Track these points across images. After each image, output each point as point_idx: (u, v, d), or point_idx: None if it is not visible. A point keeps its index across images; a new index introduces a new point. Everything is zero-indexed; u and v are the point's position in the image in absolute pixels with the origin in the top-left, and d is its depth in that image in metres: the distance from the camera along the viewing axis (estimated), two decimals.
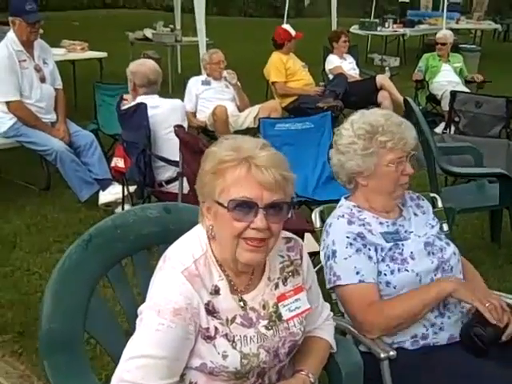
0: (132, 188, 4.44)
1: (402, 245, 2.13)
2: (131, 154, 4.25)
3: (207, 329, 1.58)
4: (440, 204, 2.55)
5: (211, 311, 1.59)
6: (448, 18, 11.98)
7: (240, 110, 6.16)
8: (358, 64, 8.26)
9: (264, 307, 1.68)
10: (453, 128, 6.11)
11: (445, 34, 7.90)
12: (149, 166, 4.20)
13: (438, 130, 6.80)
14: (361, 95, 7.10)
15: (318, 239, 2.29)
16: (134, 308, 1.67)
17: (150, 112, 4.17)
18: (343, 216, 2.17)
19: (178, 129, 3.85)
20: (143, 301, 1.62)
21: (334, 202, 2.32)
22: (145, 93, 4.36)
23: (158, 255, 1.71)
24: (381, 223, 2.17)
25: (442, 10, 11.82)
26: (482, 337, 1.98)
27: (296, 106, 6.91)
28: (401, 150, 2.11)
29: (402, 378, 1.99)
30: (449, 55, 7.75)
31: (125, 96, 4.54)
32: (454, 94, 6.13)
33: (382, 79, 7.55)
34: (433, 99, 7.66)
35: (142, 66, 4.44)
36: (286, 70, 7.00)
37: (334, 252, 2.11)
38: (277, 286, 1.72)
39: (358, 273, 2.06)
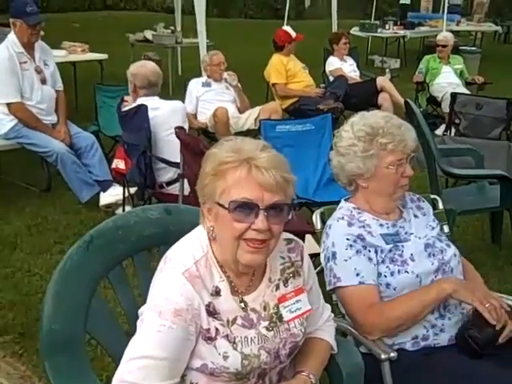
0: (133, 189, 4.44)
1: (402, 246, 2.13)
2: (132, 156, 4.25)
3: (208, 330, 1.59)
4: (441, 205, 2.55)
5: (212, 312, 1.60)
6: (448, 19, 12.00)
7: (240, 111, 6.17)
8: (358, 66, 8.26)
9: (265, 308, 1.69)
10: (453, 130, 6.11)
11: (445, 36, 7.91)
12: (149, 168, 4.20)
13: (439, 131, 6.80)
14: (361, 97, 7.10)
15: (318, 240, 2.29)
16: (135, 309, 1.67)
17: (150, 114, 4.17)
18: (343, 218, 2.17)
19: (179, 130, 3.86)
20: (144, 302, 1.62)
21: (335, 203, 2.32)
22: (145, 94, 4.36)
23: (159, 256, 1.71)
24: (381, 225, 2.18)
25: (443, 12, 11.83)
26: (476, 339, 1.99)
27: (296, 107, 6.91)
28: (401, 152, 2.12)
29: (403, 378, 1.99)
30: (449, 57, 7.75)
31: (125, 97, 4.55)
32: (454, 95, 6.13)
33: (383, 81, 7.56)
34: (433, 101, 7.67)
35: (143, 68, 4.44)
36: (287, 71, 7.00)
37: (333, 254, 2.11)
38: (277, 287, 1.72)
39: (358, 274, 2.06)
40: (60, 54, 7.08)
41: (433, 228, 2.25)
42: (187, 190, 3.84)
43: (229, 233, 1.57)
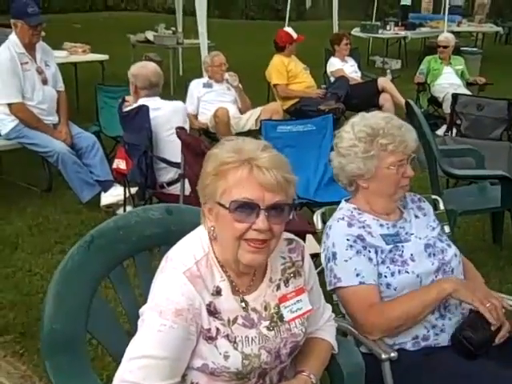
0: (133, 190, 4.44)
1: (402, 247, 2.13)
2: (133, 156, 4.26)
3: (209, 329, 1.59)
4: (442, 206, 2.55)
5: (213, 312, 1.60)
6: (449, 20, 11.99)
7: (242, 112, 6.17)
8: (359, 66, 8.26)
9: (265, 308, 1.69)
10: (454, 130, 6.11)
11: (446, 37, 7.91)
12: (150, 168, 4.20)
13: (440, 132, 6.81)
14: (362, 98, 7.11)
15: (319, 241, 2.30)
16: (136, 309, 1.67)
17: (151, 114, 4.18)
18: (343, 218, 2.17)
19: (180, 131, 3.86)
20: (145, 302, 1.62)
21: (336, 203, 2.33)
22: (146, 95, 4.36)
23: (160, 256, 1.71)
24: (381, 225, 2.18)
25: (444, 13, 11.83)
26: (470, 340, 1.99)
27: (297, 108, 6.92)
28: (401, 153, 2.12)
29: (404, 378, 1.99)
30: (450, 58, 7.76)
31: (127, 97, 4.55)
32: (455, 96, 6.13)
33: (384, 82, 7.56)
34: (434, 102, 7.67)
35: (144, 69, 4.44)
36: (288, 72, 7.00)
37: (334, 254, 2.11)
38: (278, 287, 1.72)
39: (358, 275, 2.06)
40: (61, 55, 7.09)
41: (433, 228, 2.25)
42: (188, 190, 3.85)
43: (230, 233, 1.57)
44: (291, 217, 1.62)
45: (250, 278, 1.68)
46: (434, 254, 2.16)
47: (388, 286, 2.08)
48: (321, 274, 2.05)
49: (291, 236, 1.79)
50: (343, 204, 2.27)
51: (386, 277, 2.09)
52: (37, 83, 4.88)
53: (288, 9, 11.13)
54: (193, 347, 1.58)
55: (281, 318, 1.70)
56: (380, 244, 2.12)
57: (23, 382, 2.84)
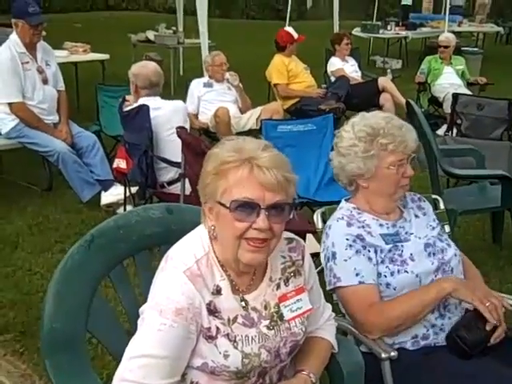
0: (134, 189, 4.44)
1: (402, 246, 2.13)
2: (133, 156, 4.26)
3: (209, 328, 1.59)
4: (442, 206, 2.55)
5: (213, 311, 1.60)
6: (450, 20, 11.99)
7: (242, 111, 6.18)
8: (360, 66, 8.27)
9: (265, 307, 1.69)
10: (455, 130, 6.11)
11: (447, 37, 7.91)
12: (151, 167, 4.21)
13: (440, 132, 6.81)
14: (363, 97, 7.11)
15: (319, 240, 2.30)
16: (136, 308, 1.67)
17: (152, 113, 4.18)
18: (342, 218, 2.17)
19: (180, 130, 3.86)
20: (145, 301, 1.63)
21: (336, 203, 2.33)
22: (147, 94, 4.37)
23: (160, 255, 1.71)
24: (381, 225, 2.18)
25: (445, 13, 11.83)
26: (465, 339, 1.99)
27: (298, 108, 6.92)
28: (402, 153, 2.12)
29: (403, 378, 1.99)
30: (451, 58, 7.76)
31: (127, 97, 4.55)
32: (456, 96, 6.13)
33: (384, 81, 7.56)
34: (435, 101, 7.67)
35: (144, 68, 4.44)
36: (288, 72, 7.01)
37: (333, 254, 2.11)
38: (278, 286, 1.72)
39: (357, 274, 2.07)
40: (62, 55, 7.09)
41: (433, 228, 2.25)
42: (188, 189, 3.85)
43: (230, 232, 1.57)
44: (291, 216, 1.62)
45: (250, 277, 1.69)
46: (433, 254, 2.16)
47: (387, 285, 2.09)
48: (321, 273, 2.06)
49: (291, 235, 1.79)
50: (343, 204, 2.27)
51: (385, 276, 2.09)
52: (37, 83, 4.88)
53: (289, 9, 11.13)
54: (193, 346, 1.58)
55: (281, 317, 1.70)
56: (379, 244, 2.12)
57: (23, 381, 2.85)
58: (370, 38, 12.60)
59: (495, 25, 15.54)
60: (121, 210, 4.57)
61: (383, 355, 1.98)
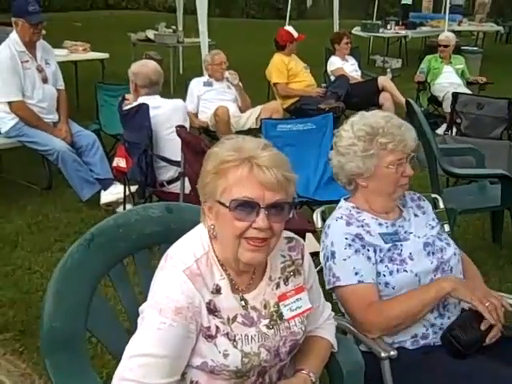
0: (133, 188, 4.44)
1: (401, 245, 2.13)
2: (133, 154, 4.26)
3: (208, 328, 1.59)
4: (441, 205, 2.55)
5: (212, 310, 1.60)
6: (450, 20, 11.99)
7: (242, 110, 6.18)
8: (359, 65, 8.26)
9: (265, 306, 1.69)
10: (454, 129, 6.11)
11: (447, 36, 7.91)
12: (150, 166, 4.20)
13: (440, 131, 6.81)
14: (362, 97, 7.11)
15: (319, 239, 2.30)
16: (136, 307, 1.67)
17: (151, 112, 4.18)
18: (342, 217, 2.17)
19: (180, 129, 3.86)
20: (144, 300, 1.63)
21: (336, 202, 2.33)
22: (146, 93, 4.36)
23: (160, 254, 1.71)
24: (380, 224, 2.18)
25: (444, 12, 11.82)
26: (459, 339, 1.99)
27: (298, 107, 6.92)
28: (401, 152, 2.12)
29: (403, 377, 1.99)
30: (451, 57, 7.76)
31: (127, 96, 4.55)
32: (455, 95, 6.13)
33: (384, 81, 7.56)
34: (434, 101, 7.67)
35: (144, 67, 4.44)
36: (288, 71, 7.01)
37: (332, 253, 2.11)
38: (278, 285, 1.72)
39: (357, 273, 2.07)
40: (61, 53, 7.09)
41: (432, 227, 2.25)
42: (188, 188, 3.85)
43: (230, 231, 1.57)
44: (291, 215, 1.62)
45: (250, 277, 1.69)
46: (432, 253, 2.16)
47: (386, 284, 2.09)
48: (320, 272, 2.06)
49: (291, 234, 1.79)
50: (342, 203, 2.27)
51: (384, 276, 2.09)
52: (37, 81, 4.88)
53: (289, 8, 11.12)
54: (192, 345, 1.58)
55: (280, 316, 1.70)
56: (378, 243, 2.12)
57: (23, 380, 2.85)
58: (369, 37, 12.61)
59: (495, 24, 15.55)
60: (120, 209, 4.57)
61: (383, 354, 1.98)
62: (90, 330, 1.76)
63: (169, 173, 4.25)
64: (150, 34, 9.44)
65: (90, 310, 1.74)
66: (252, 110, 6.16)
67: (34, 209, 4.75)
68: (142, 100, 4.30)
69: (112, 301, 2.26)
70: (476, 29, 14.90)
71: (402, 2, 14.18)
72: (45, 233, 4.36)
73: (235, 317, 1.64)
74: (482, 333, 1.99)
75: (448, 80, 7.49)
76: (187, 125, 4.37)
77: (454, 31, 10.07)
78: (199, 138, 4.10)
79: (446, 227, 2.50)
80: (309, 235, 3.14)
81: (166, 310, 1.53)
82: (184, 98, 5.60)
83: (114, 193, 4.78)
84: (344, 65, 7.85)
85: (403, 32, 12.27)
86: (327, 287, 2.13)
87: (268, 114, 5.92)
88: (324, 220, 2.31)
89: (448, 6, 11.41)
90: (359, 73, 8.05)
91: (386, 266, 2.09)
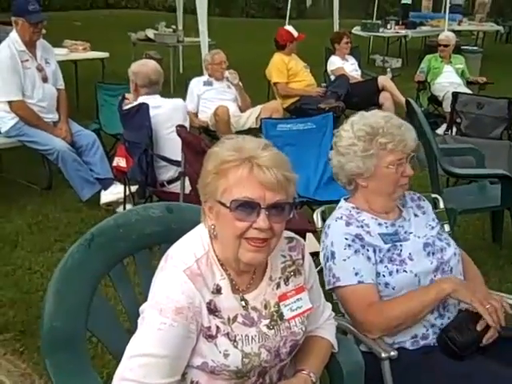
0: (134, 188, 4.44)
1: (401, 246, 2.13)
2: (133, 154, 4.26)
3: (209, 328, 1.59)
4: (442, 205, 2.55)
5: (213, 310, 1.60)
6: (450, 19, 11.98)
7: (242, 110, 6.17)
8: (359, 65, 8.26)
9: (265, 307, 1.69)
10: (454, 129, 6.11)
11: (447, 36, 7.91)
12: (151, 166, 4.20)
13: (440, 131, 6.81)
14: (362, 96, 7.11)
15: (319, 239, 2.30)
16: (136, 307, 1.67)
17: (151, 112, 4.18)
18: (341, 218, 2.17)
19: (180, 129, 3.86)
20: (145, 300, 1.63)
21: (336, 202, 2.33)
22: (146, 93, 4.36)
23: (160, 254, 1.71)
24: (379, 224, 2.18)
25: (444, 12, 11.82)
26: (454, 341, 1.99)
27: (298, 106, 6.92)
28: (401, 152, 2.12)
29: (403, 377, 1.99)
30: (451, 57, 7.76)
31: (127, 95, 4.55)
32: (455, 95, 6.13)
33: (384, 80, 7.56)
34: (434, 100, 7.67)
35: (144, 67, 4.44)
36: (288, 70, 7.00)
37: (332, 253, 2.11)
38: (278, 285, 1.72)
39: (357, 274, 2.06)
40: (61, 53, 7.08)
41: (432, 227, 2.25)
42: (188, 188, 3.85)
43: (230, 231, 1.57)
44: (291, 215, 1.61)
45: (250, 277, 1.69)
46: (432, 253, 2.15)
47: (386, 285, 2.09)
48: (320, 272, 2.06)
49: (291, 234, 1.79)
50: (342, 203, 2.27)
51: (384, 276, 2.09)
52: (37, 81, 4.88)
53: (288, 7, 11.12)
54: (193, 345, 1.58)
55: (281, 316, 1.70)
56: (378, 243, 2.12)
57: (23, 380, 2.84)
58: (369, 37, 12.60)
59: (495, 24, 15.54)
60: (121, 209, 4.57)
61: (383, 355, 1.98)
62: (91, 330, 1.76)
63: (169, 173, 4.25)
64: (150, 33, 9.43)
65: (91, 309, 1.74)
66: (252, 109, 6.15)
67: (34, 208, 4.75)
68: (142, 99, 4.30)
69: (112, 301, 2.26)
70: (476, 28, 14.89)
71: (402, 2, 14.17)
72: (45, 233, 4.36)
73: (235, 317, 1.64)
74: (479, 333, 1.99)
75: (448, 80, 7.49)
76: (187, 124, 4.37)
77: (453, 31, 10.07)
78: (199, 138, 4.09)
79: (446, 227, 2.50)
80: (309, 235, 3.14)
81: (167, 310, 1.53)
82: (184, 98, 5.60)
83: (115, 193, 4.78)
84: (344, 64, 7.85)
85: (403, 31, 12.27)
86: (327, 287, 2.13)
87: (268, 113, 5.92)
88: (324, 220, 2.31)
89: (448, 5, 11.40)
90: (359, 72, 8.05)
91: (385, 266, 2.09)
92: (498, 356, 1.98)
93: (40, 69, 4.92)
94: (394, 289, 2.08)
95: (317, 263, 1.98)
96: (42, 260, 3.92)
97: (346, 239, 2.10)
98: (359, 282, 2.06)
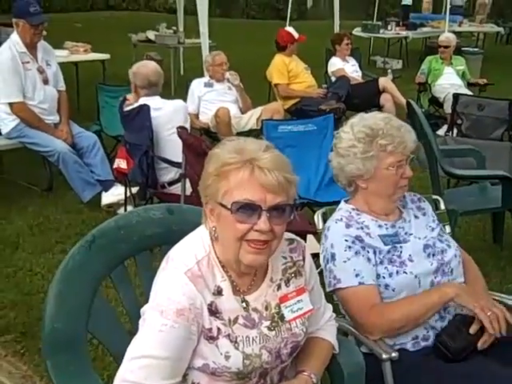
0: (134, 189, 4.45)
1: (401, 247, 2.13)
2: (134, 156, 4.26)
3: (210, 329, 1.59)
4: (442, 206, 2.55)
5: (214, 312, 1.60)
6: (451, 20, 11.98)
7: (242, 111, 6.17)
8: (360, 66, 8.26)
9: (266, 308, 1.69)
10: (455, 130, 6.11)
11: (447, 37, 7.91)
12: (151, 168, 4.21)
13: (441, 132, 6.81)
14: (363, 98, 7.11)
15: (320, 241, 2.30)
16: (137, 308, 1.67)
17: (152, 114, 4.18)
18: (341, 219, 2.17)
19: (181, 130, 3.86)
20: (146, 301, 1.63)
21: (336, 203, 2.33)
22: (146, 94, 4.37)
23: (161, 256, 1.71)
24: (379, 226, 2.18)
25: (445, 13, 11.82)
26: (447, 346, 1.99)
27: (298, 108, 6.92)
28: (401, 154, 2.12)
29: (404, 378, 1.99)
30: (451, 58, 7.76)
31: (127, 96, 4.55)
32: (456, 96, 6.13)
33: (385, 82, 7.56)
34: (435, 102, 7.67)
35: (143, 68, 4.45)
36: (289, 72, 7.00)
37: (332, 255, 2.11)
38: (279, 287, 1.73)
39: (357, 275, 2.06)
40: (62, 54, 7.09)
41: (433, 229, 2.25)
42: (189, 190, 3.85)
43: (231, 233, 1.57)
44: (292, 217, 1.61)
45: (251, 278, 1.69)
46: (433, 255, 2.15)
47: (386, 286, 2.08)
48: (321, 274, 2.06)
49: (292, 236, 1.79)
50: (342, 205, 2.27)
51: (384, 277, 2.09)
52: (38, 83, 4.89)
53: (289, 8, 11.13)
54: (194, 347, 1.58)
55: (282, 317, 1.70)
56: (378, 245, 2.12)
57: (24, 382, 2.85)
58: (370, 38, 12.62)
59: (495, 25, 15.52)
60: (121, 211, 4.57)
61: (384, 356, 1.98)
62: (92, 332, 1.76)
63: (170, 174, 4.25)
64: (151, 34, 9.45)
65: (92, 311, 1.74)
66: (253, 110, 6.15)
67: (34, 210, 4.76)
68: (142, 101, 4.30)
69: (113, 302, 2.27)
70: (476, 30, 14.89)
71: (403, 3, 14.19)
72: (46, 234, 4.36)
73: (236, 318, 1.64)
74: (472, 338, 1.98)
75: (449, 81, 7.49)
76: (188, 126, 4.38)
77: (454, 32, 10.06)
78: (200, 140, 4.09)
79: (447, 228, 2.50)
80: (310, 237, 3.14)
81: (168, 311, 1.53)
82: (185, 99, 5.60)
83: (115, 194, 4.78)
84: (345, 66, 7.85)
85: (404, 33, 12.28)
86: (328, 289, 2.12)
87: (269, 114, 5.92)
88: (325, 221, 2.31)
89: (448, 6, 11.41)
90: (360, 74, 8.05)
91: (385, 267, 2.09)
92: (498, 356, 1.98)
93: (41, 71, 4.92)
94: (394, 290, 2.08)
95: (317, 264, 1.98)
96: (42, 262, 3.92)
97: (346, 241, 2.10)
98: (360, 284, 2.06)
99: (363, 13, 18.84)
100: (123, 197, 4.56)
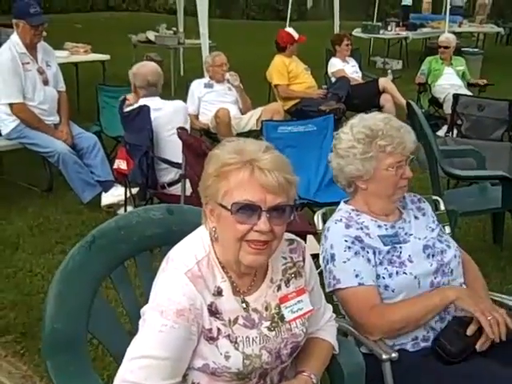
0: (134, 190, 4.45)
1: (401, 248, 2.13)
2: (134, 156, 4.26)
3: (210, 330, 1.59)
4: (442, 207, 2.55)
5: (214, 312, 1.60)
6: (450, 21, 11.97)
7: (242, 112, 6.17)
8: (360, 67, 8.26)
9: (266, 308, 1.69)
10: (455, 131, 6.11)
11: (447, 38, 7.91)
12: (151, 168, 4.21)
13: (441, 133, 6.81)
14: (363, 98, 7.11)
15: (320, 241, 2.30)
16: (137, 309, 1.68)
17: (152, 114, 4.18)
18: (341, 220, 2.17)
19: (181, 131, 3.86)
20: (146, 302, 1.63)
21: (337, 204, 2.33)
22: (145, 95, 4.37)
23: (161, 256, 1.72)
24: (379, 226, 2.18)
25: (445, 14, 11.83)
26: (445, 350, 1.99)
27: (298, 108, 6.91)
28: (400, 154, 2.12)
29: (404, 379, 1.99)
30: (451, 58, 7.76)
31: (127, 96, 4.55)
32: (456, 97, 6.13)
33: (385, 82, 7.56)
34: (435, 102, 7.67)
35: (143, 68, 4.46)
36: (289, 72, 7.00)
37: (332, 256, 2.11)
38: (279, 287, 1.73)
39: (357, 276, 2.06)
40: (62, 55, 7.09)
41: (433, 229, 2.25)
42: (189, 190, 3.85)
43: (231, 234, 1.58)
44: (292, 217, 1.62)
45: (251, 279, 1.69)
46: (432, 255, 2.15)
47: (386, 287, 2.08)
48: (321, 274, 2.06)
49: (292, 236, 1.80)
50: (342, 205, 2.27)
51: (383, 278, 2.09)
52: (38, 83, 4.89)
53: (289, 9, 11.13)
54: (194, 347, 1.58)
55: (282, 318, 1.70)
56: (378, 245, 2.12)
57: (24, 382, 2.85)
58: (370, 39, 12.62)
59: (495, 25, 15.52)
60: (121, 211, 4.57)
61: (384, 356, 1.98)
62: (92, 332, 1.76)
63: (170, 175, 4.25)
64: (151, 35, 9.45)
65: (92, 311, 1.74)
66: (253, 111, 6.15)
67: (34, 211, 4.76)
68: (142, 102, 4.30)
69: (113, 303, 2.27)
70: (476, 30, 14.89)
71: (403, 3, 14.19)
72: (46, 235, 4.37)
73: (236, 319, 1.64)
74: (470, 340, 1.98)
75: (449, 81, 7.50)
76: (188, 126, 4.38)
77: (454, 32, 10.06)
78: (200, 140, 4.09)
79: (447, 229, 2.50)
80: (310, 237, 3.14)
81: (168, 311, 1.54)
82: (185, 100, 5.61)
83: (115, 195, 4.78)
84: (345, 66, 7.85)
85: (404, 33, 12.28)
86: (327, 290, 2.12)
87: (269, 115, 5.92)
88: (325, 222, 2.31)
89: (448, 7, 11.41)
90: (360, 74, 8.05)
91: (385, 268, 2.09)
92: (498, 356, 1.98)
93: (41, 71, 4.92)
94: (393, 291, 2.08)
95: (317, 265, 1.98)
96: (42, 262, 3.93)
97: (346, 241, 2.10)
98: (360, 284, 2.06)
99: (363, 13, 18.84)
100: (123, 197, 4.56)
